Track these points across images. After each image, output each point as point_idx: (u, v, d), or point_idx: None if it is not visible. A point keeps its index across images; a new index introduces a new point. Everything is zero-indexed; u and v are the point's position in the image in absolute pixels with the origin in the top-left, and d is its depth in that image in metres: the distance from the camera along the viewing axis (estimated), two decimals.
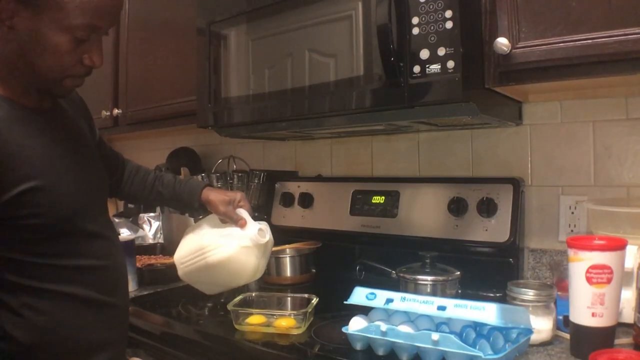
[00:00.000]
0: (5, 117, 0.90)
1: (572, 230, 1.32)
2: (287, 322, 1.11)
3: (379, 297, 1.03)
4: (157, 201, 1.46)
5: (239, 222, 1.23)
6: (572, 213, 1.32)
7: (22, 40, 0.88)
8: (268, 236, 1.25)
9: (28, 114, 0.94)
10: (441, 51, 1.04)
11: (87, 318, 0.97)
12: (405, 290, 1.22)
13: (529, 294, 1.02)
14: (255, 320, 1.13)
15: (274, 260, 1.57)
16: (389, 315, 1.05)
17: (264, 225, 1.26)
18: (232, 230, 1.24)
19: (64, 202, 0.94)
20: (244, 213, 1.25)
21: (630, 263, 0.98)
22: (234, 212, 1.25)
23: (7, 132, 0.89)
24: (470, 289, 1.27)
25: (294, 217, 1.74)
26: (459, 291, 1.25)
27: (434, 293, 1.21)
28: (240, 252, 1.21)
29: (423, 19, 1.07)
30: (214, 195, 1.27)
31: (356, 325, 1.01)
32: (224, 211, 1.24)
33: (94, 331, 0.98)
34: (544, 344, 1.00)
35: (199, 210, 1.32)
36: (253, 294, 1.29)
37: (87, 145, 1.10)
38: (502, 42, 1.03)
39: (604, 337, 0.91)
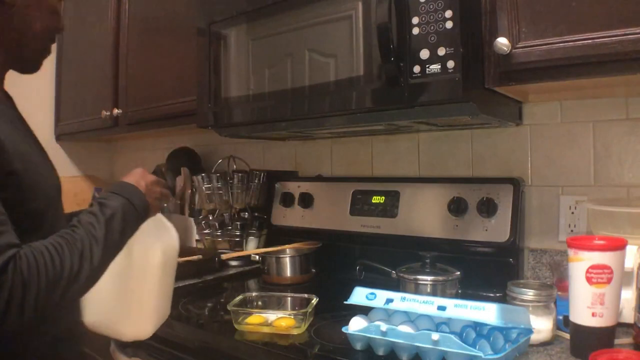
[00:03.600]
0: None
1: (572, 230, 1.32)
2: (287, 322, 1.11)
3: (379, 297, 1.03)
4: None
5: None
6: (572, 213, 1.32)
7: (22, 5, 0.92)
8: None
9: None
10: (441, 51, 1.04)
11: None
12: (405, 290, 1.22)
13: (529, 294, 1.03)
14: (255, 320, 1.13)
15: (274, 260, 1.57)
16: (389, 315, 1.05)
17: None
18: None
19: (40, 191, 0.90)
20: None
21: (630, 263, 0.98)
22: None
23: None
24: (470, 289, 1.27)
25: (294, 217, 1.74)
26: (459, 291, 1.25)
27: (434, 293, 1.21)
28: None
29: (423, 19, 1.07)
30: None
31: (356, 325, 1.01)
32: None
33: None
34: (544, 344, 1.00)
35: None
36: (253, 294, 1.29)
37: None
38: (502, 42, 1.03)
39: (604, 337, 0.91)
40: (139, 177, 1.01)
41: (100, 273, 0.86)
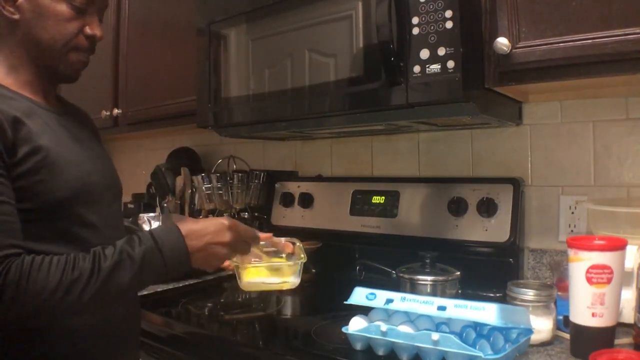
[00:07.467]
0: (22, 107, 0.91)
1: (572, 230, 1.32)
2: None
3: (379, 297, 1.03)
4: None
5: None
6: (572, 213, 1.32)
7: (27, 19, 0.94)
8: None
9: (39, 108, 0.96)
10: (441, 51, 1.04)
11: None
12: (405, 291, 1.22)
13: (529, 294, 1.02)
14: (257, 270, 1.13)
15: None
16: (389, 315, 1.05)
17: None
18: None
19: (68, 176, 0.91)
20: None
21: (630, 263, 0.98)
22: None
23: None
24: (470, 289, 1.27)
25: (294, 217, 1.74)
26: (459, 291, 1.25)
27: (434, 293, 1.21)
28: None
29: (423, 19, 1.07)
30: None
31: (356, 325, 1.01)
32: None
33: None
34: (544, 344, 1.00)
35: None
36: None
37: (102, 151, 1.12)
38: (502, 42, 1.03)
39: (604, 337, 0.91)
40: (205, 229, 0.94)
41: (87, 306, 0.83)
